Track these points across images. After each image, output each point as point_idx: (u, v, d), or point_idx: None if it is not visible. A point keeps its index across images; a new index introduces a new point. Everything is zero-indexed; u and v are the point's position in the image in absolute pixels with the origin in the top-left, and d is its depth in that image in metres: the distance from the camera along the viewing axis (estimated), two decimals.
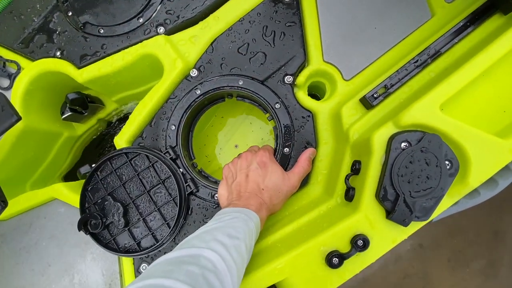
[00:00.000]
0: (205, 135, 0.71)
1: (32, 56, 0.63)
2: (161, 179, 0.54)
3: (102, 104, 0.75)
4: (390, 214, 0.37)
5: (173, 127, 0.57)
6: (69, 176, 0.78)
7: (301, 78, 0.57)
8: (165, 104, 0.58)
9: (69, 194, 0.58)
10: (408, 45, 0.55)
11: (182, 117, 0.57)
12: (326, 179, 0.54)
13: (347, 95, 0.55)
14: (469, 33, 0.49)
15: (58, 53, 0.62)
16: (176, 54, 0.57)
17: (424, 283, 1.18)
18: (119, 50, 0.60)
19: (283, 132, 0.55)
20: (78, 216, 0.59)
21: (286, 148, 0.55)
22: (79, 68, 0.61)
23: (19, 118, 0.49)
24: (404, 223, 0.36)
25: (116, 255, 0.57)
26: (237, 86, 0.56)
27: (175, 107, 0.58)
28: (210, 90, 0.57)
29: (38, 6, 0.64)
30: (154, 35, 0.60)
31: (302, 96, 0.57)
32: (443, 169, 0.36)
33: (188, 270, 0.27)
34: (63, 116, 0.68)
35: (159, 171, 0.54)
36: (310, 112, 0.55)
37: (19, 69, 0.65)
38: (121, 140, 0.57)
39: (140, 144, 0.58)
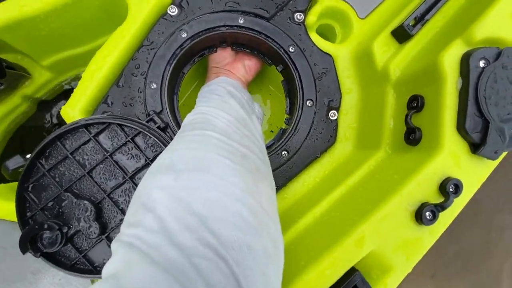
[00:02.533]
0: (193, 99, 0.55)
1: None
2: (148, 158, 0.38)
3: (26, 73, 0.52)
4: (480, 147, 0.30)
5: (154, 85, 0.41)
6: None
7: (312, 17, 0.46)
8: (137, 53, 0.41)
9: None
10: None
11: (165, 70, 0.41)
12: (356, 133, 0.45)
13: (366, 35, 0.47)
14: None
15: None
16: None
17: None
18: None
19: (302, 81, 0.44)
20: (13, 235, 0.39)
21: (309, 101, 0.44)
22: None
23: None
24: (495, 155, 0.30)
25: (88, 279, 0.39)
26: (237, 26, 0.43)
27: (153, 57, 0.41)
28: (201, 31, 0.42)
29: None
30: None
31: (317, 37, 0.47)
32: None
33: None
34: None
35: (143, 147, 0.38)
36: (330, 56, 0.46)
37: None
38: (73, 110, 0.38)
39: (107, 114, 0.40)
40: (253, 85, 0.67)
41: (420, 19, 0.42)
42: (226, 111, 0.33)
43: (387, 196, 0.30)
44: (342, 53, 0.47)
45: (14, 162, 0.38)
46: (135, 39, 0.41)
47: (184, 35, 0.42)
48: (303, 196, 0.43)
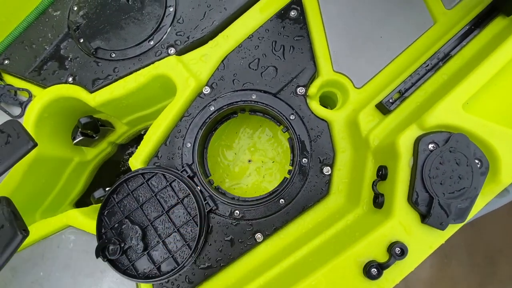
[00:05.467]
0: (219, 151, 0.71)
1: (44, 83, 0.64)
2: (179, 198, 0.53)
3: (112, 127, 0.75)
4: (425, 218, 0.36)
5: (189, 145, 0.57)
6: (80, 202, 0.76)
7: (313, 89, 0.57)
8: (180, 122, 0.58)
9: (84, 220, 0.56)
10: (415, 51, 0.56)
11: (197, 134, 0.57)
12: (347, 187, 0.53)
13: (361, 103, 0.55)
14: (475, 36, 0.51)
15: (70, 79, 0.63)
16: (188, 73, 0.58)
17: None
18: (131, 73, 0.61)
19: (299, 143, 0.55)
20: (92, 243, 0.57)
21: (304, 159, 0.54)
22: (92, 92, 0.61)
23: (35, 144, 0.48)
24: (441, 226, 0.35)
25: (134, 282, 0.54)
26: (250, 100, 0.57)
27: (190, 124, 0.57)
28: (224, 105, 0.57)
29: (49, 35, 0.65)
30: (165, 56, 0.61)
31: (316, 106, 0.57)
32: (474, 168, 0.35)
33: None
34: (75, 141, 0.67)
35: (177, 190, 0.53)
36: (326, 121, 0.55)
37: (30, 96, 0.65)
38: (137, 161, 0.57)
39: (156, 164, 0.57)
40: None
41: (402, 94, 0.49)
42: None
43: (343, 250, 0.37)
44: (338, 118, 0.56)
45: (99, 193, 0.58)
46: (179, 113, 0.58)
47: (212, 108, 0.57)
48: (296, 239, 0.51)
